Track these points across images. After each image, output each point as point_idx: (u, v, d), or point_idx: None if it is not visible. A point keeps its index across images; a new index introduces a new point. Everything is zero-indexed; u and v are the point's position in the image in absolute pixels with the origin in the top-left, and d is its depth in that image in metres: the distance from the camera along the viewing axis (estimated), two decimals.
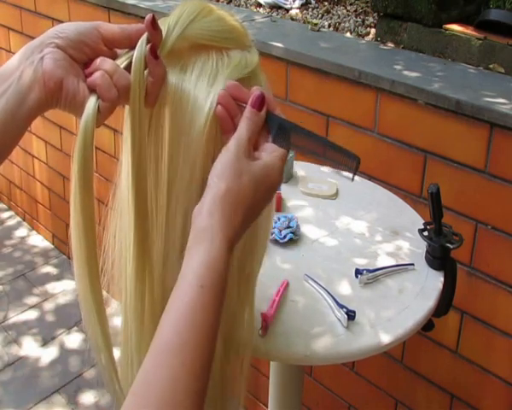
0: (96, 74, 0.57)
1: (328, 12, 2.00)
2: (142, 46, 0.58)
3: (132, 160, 0.60)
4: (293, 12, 2.02)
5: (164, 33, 0.59)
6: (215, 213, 0.54)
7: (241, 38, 0.64)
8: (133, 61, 0.58)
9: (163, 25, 0.61)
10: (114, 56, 0.60)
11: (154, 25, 0.58)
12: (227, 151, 0.57)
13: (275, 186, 0.60)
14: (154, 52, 0.57)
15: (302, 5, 2.06)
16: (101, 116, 0.57)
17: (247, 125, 0.59)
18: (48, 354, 2.25)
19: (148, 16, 0.58)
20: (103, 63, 0.57)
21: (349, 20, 1.90)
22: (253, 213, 0.58)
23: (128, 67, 0.58)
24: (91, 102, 0.56)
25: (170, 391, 0.48)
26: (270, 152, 0.60)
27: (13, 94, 0.55)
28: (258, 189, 0.57)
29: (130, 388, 0.49)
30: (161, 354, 0.49)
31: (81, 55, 0.58)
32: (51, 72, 0.56)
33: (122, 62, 0.58)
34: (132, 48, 0.58)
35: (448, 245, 1.06)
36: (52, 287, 2.60)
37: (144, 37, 0.58)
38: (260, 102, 0.59)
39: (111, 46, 0.59)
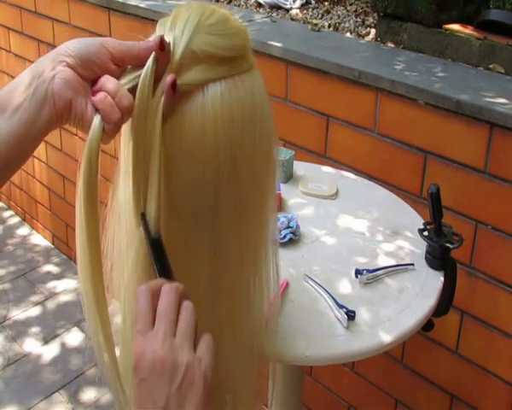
0: (99, 96, 0.57)
1: (328, 12, 2.00)
2: (148, 69, 0.58)
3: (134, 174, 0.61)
4: (293, 12, 2.02)
5: (171, 45, 0.60)
6: None
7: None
8: (139, 86, 0.58)
9: (165, 29, 0.61)
10: (123, 72, 0.60)
11: (162, 47, 0.58)
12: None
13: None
14: (173, 87, 0.58)
15: (302, 5, 2.06)
16: (107, 136, 0.59)
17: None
18: (49, 353, 2.25)
19: (156, 40, 0.58)
20: (106, 83, 0.58)
21: (349, 20, 1.90)
22: None
23: (135, 88, 0.59)
24: (95, 124, 0.57)
25: None
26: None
27: (27, 111, 0.57)
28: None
29: None
30: None
31: (90, 74, 0.59)
32: (61, 92, 0.57)
33: (128, 83, 0.59)
34: (141, 65, 0.59)
35: (448, 245, 1.06)
36: (53, 286, 2.61)
37: (151, 60, 0.58)
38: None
39: (119, 64, 0.60)
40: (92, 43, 0.59)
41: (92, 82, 0.59)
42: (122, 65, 0.60)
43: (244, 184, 0.64)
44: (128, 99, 0.57)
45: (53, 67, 0.57)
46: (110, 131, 0.58)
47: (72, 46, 0.59)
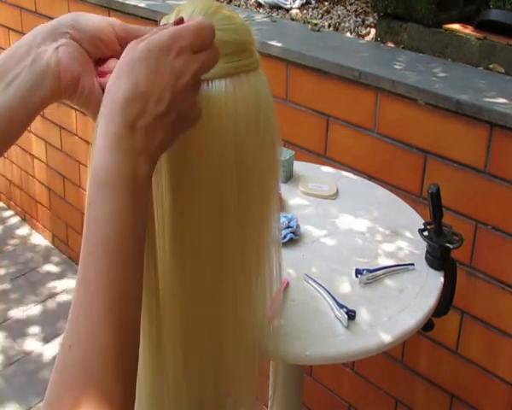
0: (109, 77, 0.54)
1: (328, 12, 2.00)
2: None
3: None
4: (293, 12, 2.02)
5: None
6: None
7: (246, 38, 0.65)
8: None
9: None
10: None
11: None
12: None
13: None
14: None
15: (302, 5, 2.06)
16: None
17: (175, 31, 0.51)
18: (49, 353, 2.25)
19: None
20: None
21: (349, 20, 1.90)
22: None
23: None
24: None
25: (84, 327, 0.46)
26: None
27: (24, 81, 0.53)
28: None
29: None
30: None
31: (95, 51, 0.56)
32: (68, 64, 0.53)
33: None
34: None
35: (448, 245, 1.06)
36: (53, 286, 2.61)
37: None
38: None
39: (125, 45, 0.58)
40: (98, 19, 0.56)
41: (95, 62, 0.56)
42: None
43: (247, 181, 0.64)
44: None
45: (55, 38, 0.54)
46: None
47: (78, 19, 0.55)
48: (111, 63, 0.55)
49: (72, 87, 0.54)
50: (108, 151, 0.47)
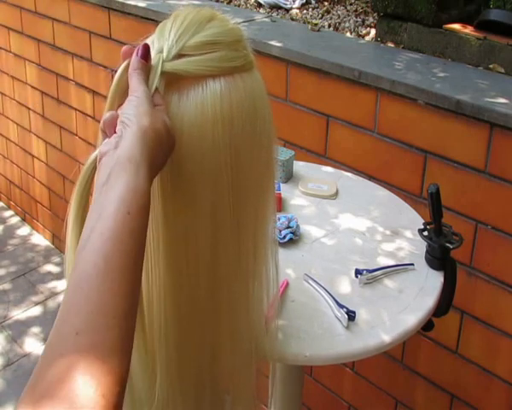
0: None
1: (328, 12, 2.00)
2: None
3: None
4: (293, 12, 2.02)
5: (164, 54, 0.60)
6: (137, 146, 0.53)
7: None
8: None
9: (165, 31, 0.62)
10: None
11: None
12: (134, 98, 0.57)
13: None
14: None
15: (302, 5, 2.06)
16: None
17: (140, 76, 0.59)
18: None
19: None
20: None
21: (349, 20, 1.90)
22: (164, 155, 0.58)
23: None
24: None
25: (98, 315, 0.45)
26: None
27: None
28: (169, 132, 0.58)
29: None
30: (86, 281, 0.47)
31: None
32: None
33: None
34: None
35: (448, 245, 1.06)
36: (53, 286, 2.61)
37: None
38: (146, 51, 0.60)
39: None
40: None
41: None
42: None
43: (243, 183, 0.64)
44: None
45: None
46: None
47: None
48: None
49: None
50: (147, 181, 0.53)
